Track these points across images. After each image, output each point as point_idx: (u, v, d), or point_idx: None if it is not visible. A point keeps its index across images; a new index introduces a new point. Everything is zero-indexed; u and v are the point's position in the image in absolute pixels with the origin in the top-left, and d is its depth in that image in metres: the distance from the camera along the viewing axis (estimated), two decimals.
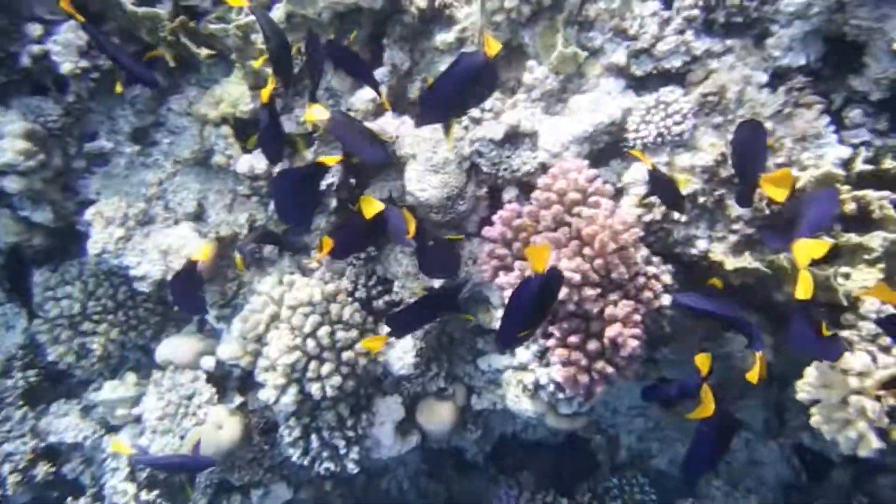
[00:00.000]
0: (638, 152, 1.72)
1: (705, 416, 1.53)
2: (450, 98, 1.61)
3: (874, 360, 1.54)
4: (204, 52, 2.31)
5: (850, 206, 1.68)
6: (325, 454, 2.20)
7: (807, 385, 1.62)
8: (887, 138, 1.81)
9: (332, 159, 1.92)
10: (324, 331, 2.01)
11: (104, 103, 2.46)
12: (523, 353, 1.86)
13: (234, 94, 2.31)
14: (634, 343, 1.63)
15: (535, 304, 1.39)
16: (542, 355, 1.84)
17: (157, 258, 2.36)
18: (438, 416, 2.31)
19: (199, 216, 2.49)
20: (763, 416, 2.76)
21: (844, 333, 1.63)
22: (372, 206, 1.74)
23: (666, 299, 1.76)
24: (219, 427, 2.30)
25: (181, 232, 2.36)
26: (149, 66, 2.21)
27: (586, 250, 1.68)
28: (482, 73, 1.57)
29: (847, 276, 1.69)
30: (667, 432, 2.97)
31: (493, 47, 1.51)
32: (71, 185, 2.57)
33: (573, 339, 1.68)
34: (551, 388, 1.83)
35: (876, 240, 1.57)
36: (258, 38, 2.18)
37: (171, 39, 2.26)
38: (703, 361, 1.55)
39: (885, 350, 1.53)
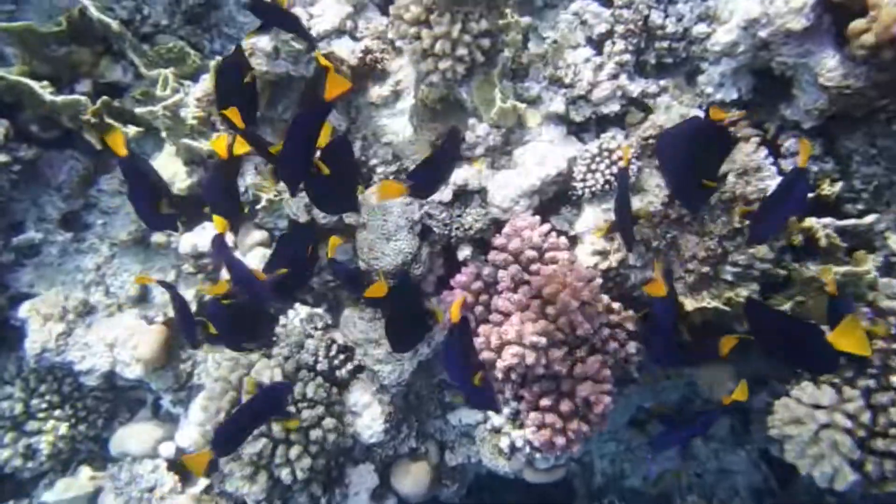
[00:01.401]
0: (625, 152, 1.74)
1: (658, 295, 1.54)
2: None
3: (839, 392, 1.57)
4: (132, 129, 2.23)
5: (798, 238, 1.71)
6: None
7: (777, 420, 1.64)
8: (823, 163, 1.86)
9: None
10: None
11: (28, 192, 2.34)
12: (496, 418, 1.84)
13: (167, 172, 2.22)
14: (606, 399, 1.63)
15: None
16: (515, 417, 1.82)
17: (102, 350, 2.25)
18: (414, 478, 2.26)
19: (143, 298, 2.38)
20: (728, 424, 2.81)
21: None
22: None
23: (632, 346, 1.77)
24: None
25: (126, 321, 2.25)
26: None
27: (549, 310, 1.66)
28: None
29: (802, 305, 1.73)
30: (636, 452, 2.99)
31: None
32: (1, 279, 2.43)
33: (545, 401, 1.66)
34: (527, 449, 1.81)
35: (828, 274, 1.60)
36: (188, 115, 2.11)
37: (94, 122, 2.17)
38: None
39: (849, 382, 1.56)
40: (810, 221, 1.72)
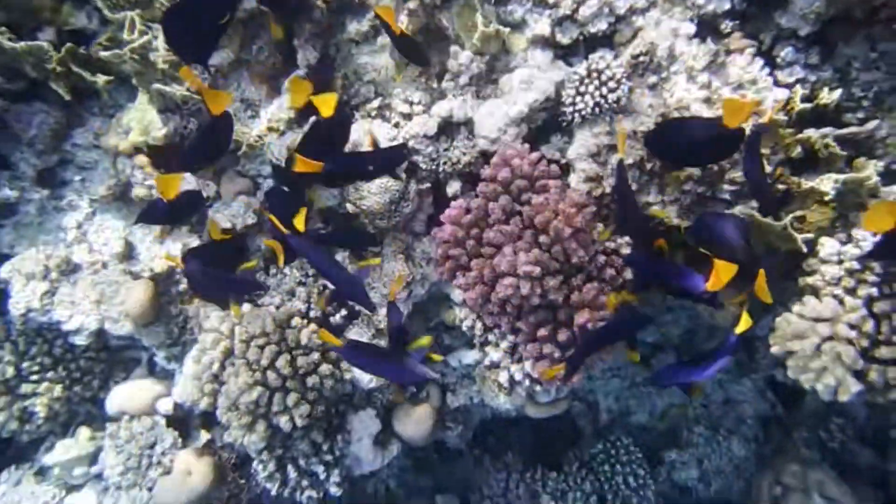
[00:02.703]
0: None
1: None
2: None
3: (841, 303, 1.53)
4: (101, 79, 2.13)
5: (797, 150, 1.65)
6: (304, 483, 2.11)
7: (778, 337, 1.60)
8: (820, 72, 1.79)
9: None
10: (283, 360, 1.90)
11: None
12: (494, 352, 1.80)
13: (143, 121, 2.14)
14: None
15: None
16: (513, 350, 1.78)
17: (89, 308, 2.20)
18: (416, 422, 2.24)
19: (128, 255, 2.32)
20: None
21: (808, 280, 1.61)
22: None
23: (629, 273, 1.72)
24: (188, 473, 2.18)
25: (111, 276, 2.20)
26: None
27: (542, 238, 1.61)
28: None
29: (802, 220, 1.67)
30: (641, 388, 2.98)
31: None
32: None
33: (542, 331, 1.62)
34: (527, 382, 1.77)
35: (827, 183, 1.54)
36: (158, 59, 2.02)
37: (60, 70, 2.07)
38: None
39: (851, 292, 1.52)
40: (808, 132, 1.66)
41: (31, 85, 2.15)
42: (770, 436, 2.94)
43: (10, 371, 2.39)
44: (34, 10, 2.07)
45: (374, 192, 1.82)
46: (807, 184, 1.58)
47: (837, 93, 1.69)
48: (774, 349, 1.61)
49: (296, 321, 2.00)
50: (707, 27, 1.81)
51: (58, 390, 2.44)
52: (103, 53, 1.97)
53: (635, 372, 2.89)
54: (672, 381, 1.90)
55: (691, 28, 1.79)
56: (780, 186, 1.66)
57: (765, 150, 1.64)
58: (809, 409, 2.85)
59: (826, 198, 1.57)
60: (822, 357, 1.53)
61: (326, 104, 1.69)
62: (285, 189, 1.99)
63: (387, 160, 1.81)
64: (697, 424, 2.97)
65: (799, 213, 1.65)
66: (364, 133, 1.89)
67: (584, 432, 3.04)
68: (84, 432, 2.53)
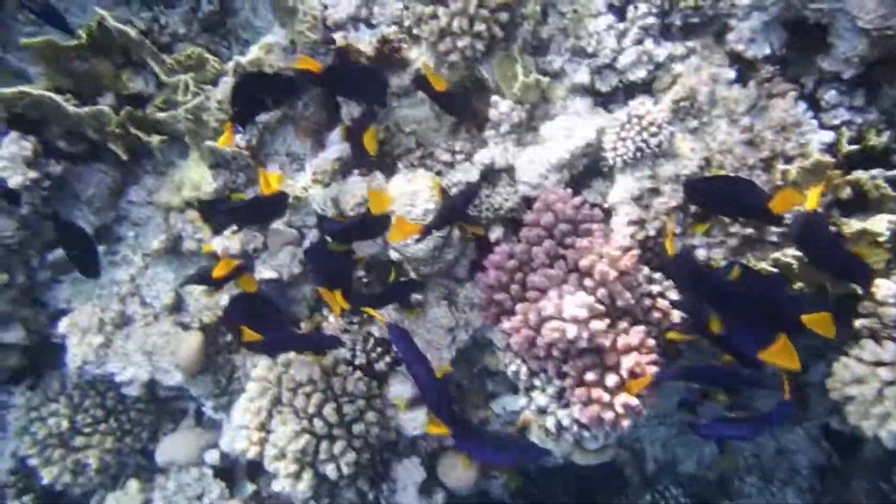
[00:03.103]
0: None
1: None
2: None
3: None
4: (156, 138, 2.23)
5: (846, 191, 1.63)
6: None
7: (837, 383, 1.55)
8: (866, 114, 1.78)
9: None
10: (329, 408, 1.92)
11: (59, 208, 2.35)
12: (540, 397, 1.78)
13: (194, 177, 2.22)
14: (654, 370, 1.56)
15: None
16: (560, 395, 1.76)
17: (141, 360, 2.25)
18: (461, 471, 2.21)
19: (177, 307, 2.38)
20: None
21: (865, 323, 1.58)
22: None
23: (675, 316, 1.70)
24: None
25: (162, 328, 2.26)
26: None
27: (587, 282, 1.61)
28: None
29: None
30: (690, 435, 2.90)
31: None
32: (39, 297, 2.46)
33: (590, 375, 1.60)
34: (575, 428, 1.75)
35: (881, 223, 1.52)
36: (210, 118, 2.11)
37: (119, 132, 2.17)
38: None
39: None
40: (857, 174, 1.64)
41: (91, 147, 2.26)
42: (827, 487, 2.83)
43: (65, 424, 2.44)
44: (96, 78, 2.19)
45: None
46: (858, 225, 1.55)
47: (886, 135, 1.68)
48: (833, 395, 1.56)
49: (342, 368, 2.01)
50: (747, 72, 1.83)
51: (109, 442, 2.48)
52: (160, 114, 2.06)
53: (682, 419, 2.82)
54: (714, 434, 1.87)
55: (731, 73, 1.81)
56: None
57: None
58: (868, 459, 2.73)
59: (880, 238, 1.55)
60: (885, 402, 1.48)
61: (269, 182, 1.82)
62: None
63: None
64: (749, 475, 2.86)
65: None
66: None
67: (630, 481, 2.96)
68: (133, 485, 2.56)
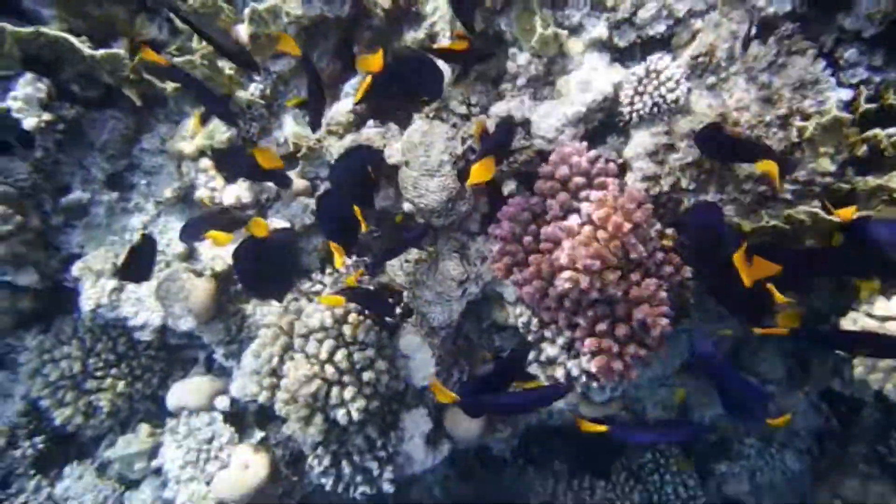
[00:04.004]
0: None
1: None
2: None
3: None
4: (170, 86, 2.22)
5: (862, 149, 1.63)
6: (358, 479, 2.14)
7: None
8: (885, 73, 1.77)
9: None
10: (341, 354, 1.95)
11: (72, 153, 2.36)
12: (550, 348, 1.81)
13: (208, 126, 2.22)
14: (664, 322, 1.58)
15: None
16: (570, 346, 1.78)
17: (154, 305, 2.28)
18: (467, 422, 2.25)
19: (190, 255, 2.40)
20: (784, 366, 2.73)
21: (874, 284, 1.59)
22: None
23: (687, 271, 1.72)
24: (245, 467, 2.23)
25: (175, 274, 2.27)
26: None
27: (600, 234, 1.62)
28: None
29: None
30: (691, 398, 2.94)
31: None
32: (52, 241, 2.47)
33: (601, 326, 1.63)
34: (583, 378, 1.78)
35: None
36: (225, 65, 2.10)
37: (133, 78, 2.17)
38: None
39: None
40: (875, 131, 1.64)
41: (105, 92, 2.26)
42: (825, 450, 2.87)
43: (78, 367, 2.48)
44: (110, 23, 2.18)
45: (432, 191, 1.86)
46: (874, 181, 1.56)
47: None
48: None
49: (352, 317, 2.04)
50: (767, 29, 1.82)
51: (121, 386, 2.52)
52: (176, 59, 2.05)
53: (684, 382, 2.86)
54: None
55: (752, 30, 1.80)
56: (844, 186, 1.65)
57: (829, 149, 1.63)
58: (867, 423, 2.78)
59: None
60: None
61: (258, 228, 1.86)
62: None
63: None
64: (748, 436, 2.91)
65: (864, 212, 1.63)
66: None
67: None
68: (144, 428, 2.61)
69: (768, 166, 1.49)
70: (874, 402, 2.59)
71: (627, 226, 1.58)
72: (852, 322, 1.65)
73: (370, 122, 2.13)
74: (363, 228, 1.73)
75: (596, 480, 2.84)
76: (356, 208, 1.72)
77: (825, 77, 1.73)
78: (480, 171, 1.55)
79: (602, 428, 1.72)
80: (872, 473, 2.61)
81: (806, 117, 1.71)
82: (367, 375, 1.98)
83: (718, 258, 1.56)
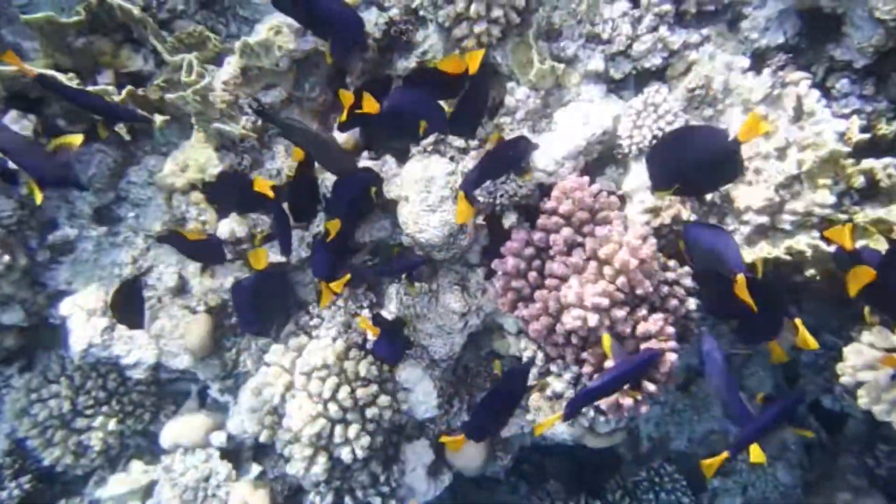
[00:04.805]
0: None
1: None
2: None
3: None
4: (159, 119, 2.18)
5: (859, 180, 1.66)
6: None
7: (849, 367, 1.60)
8: (876, 102, 1.81)
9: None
10: (344, 392, 1.93)
11: (58, 189, 2.30)
12: (557, 383, 1.81)
13: (199, 159, 2.18)
14: (673, 357, 1.60)
15: None
16: (577, 381, 1.79)
17: (147, 342, 2.23)
18: (468, 452, 2.24)
19: (181, 289, 2.35)
20: (772, 382, 2.78)
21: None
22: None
23: (692, 303, 1.73)
24: None
25: (168, 311, 2.23)
26: None
27: (607, 270, 1.63)
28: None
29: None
30: (682, 414, 2.97)
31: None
32: (37, 278, 2.41)
33: (609, 363, 1.63)
34: (591, 413, 1.78)
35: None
36: (217, 99, 2.07)
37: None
38: None
39: None
40: (870, 162, 1.67)
41: (92, 126, 2.21)
42: (815, 462, 2.92)
43: (67, 405, 2.42)
44: (95, 56, 2.13)
45: (434, 226, 1.85)
46: (873, 213, 1.59)
47: None
48: (845, 379, 1.61)
49: (353, 353, 2.02)
50: (761, 61, 1.85)
51: (112, 424, 2.46)
52: (168, 96, 2.02)
53: (675, 399, 2.89)
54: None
55: (745, 62, 1.83)
56: (842, 216, 1.68)
57: (826, 181, 1.66)
58: (852, 435, 2.83)
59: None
60: None
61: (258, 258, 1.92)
62: None
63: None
64: (742, 453, 2.93)
65: (862, 242, 1.66)
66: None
67: (624, 459, 3.02)
68: (137, 465, 2.55)
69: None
70: (860, 414, 2.63)
71: (634, 262, 1.58)
72: None
73: (365, 154, 2.12)
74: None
75: (592, 500, 2.84)
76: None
77: (820, 108, 1.76)
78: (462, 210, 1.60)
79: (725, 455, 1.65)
80: (862, 486, 2.65)
81: (803, 149, 1.74)
82: (370, 412, 1.96)
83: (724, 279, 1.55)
